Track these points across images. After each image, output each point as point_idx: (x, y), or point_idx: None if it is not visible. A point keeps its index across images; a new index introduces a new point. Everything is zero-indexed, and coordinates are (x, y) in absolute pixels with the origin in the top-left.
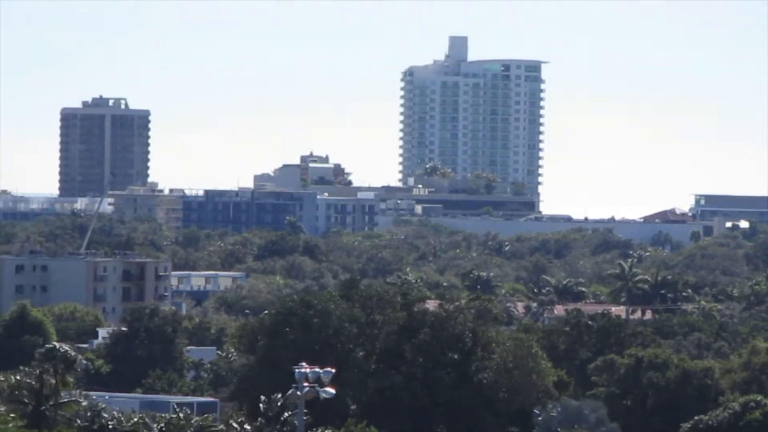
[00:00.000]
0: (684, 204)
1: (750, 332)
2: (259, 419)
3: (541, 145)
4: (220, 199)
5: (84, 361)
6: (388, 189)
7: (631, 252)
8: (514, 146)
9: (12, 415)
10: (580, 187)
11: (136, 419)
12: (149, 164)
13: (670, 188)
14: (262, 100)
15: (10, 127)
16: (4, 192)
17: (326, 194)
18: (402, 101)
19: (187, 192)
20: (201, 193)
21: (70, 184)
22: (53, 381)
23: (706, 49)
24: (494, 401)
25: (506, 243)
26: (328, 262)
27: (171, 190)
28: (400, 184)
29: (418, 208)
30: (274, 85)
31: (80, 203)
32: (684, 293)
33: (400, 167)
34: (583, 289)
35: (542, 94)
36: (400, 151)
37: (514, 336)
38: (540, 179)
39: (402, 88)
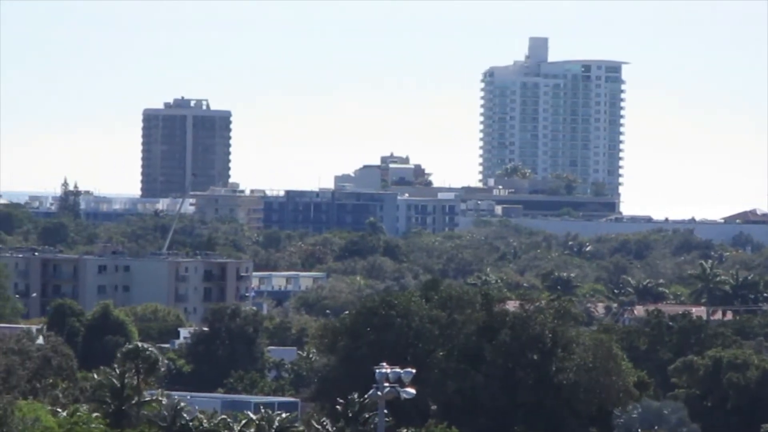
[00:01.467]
0: (765, 204)
1: None
2: (340, 419)
3: (621, 146)
4: (301, 200)
5: (166, 361)
6: (468, 189)
7: (711, 253)
8: (594, 147)
9: (95, 414)
10: (660, 188)
11: (217, 419)
12: (230, 165)
13: (751, 189)
14: (342, 101)
15: (93, 127)
16: (87, 193)
17: (407, 195)
18: (482, 102)
19: (268, 192)
20: (282, 193)
21: (152, 185)
22: (135, 381)
23: None
24: (574, 402)
25: (587, 244)
26: (409, 262)
27: (252, 191)
28: (480, 185)
29: (499, 209)
30: (354, 86)
31: (162, 204)
32: (765, 294)
33: (481, 168)
34: (664, 289)
35: (622, 95)
36: (481, 151)
37: (594, 336)
38: (620, 180)
39: (482, 89)
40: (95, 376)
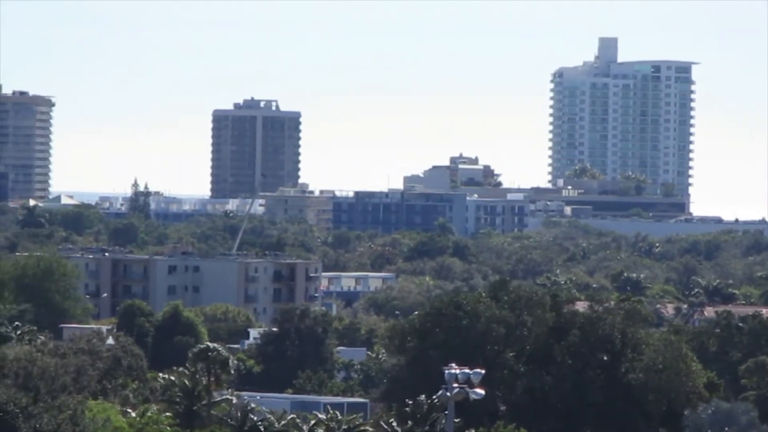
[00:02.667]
0: None
1: None
2: (409, 420)
3: (690, 146)
4: (370, 200)
5: (235, 362)
6: (537, 190)
7: None
8: (664, 147)
9: (166, 414)
10: (730, 189)
11: (286, 420)
12: (300, 165)
13: None
14: (411, 101)
15: (163, 128)
16: (157, 193)
17: (476, 195)
18: (551, 102)
19: (338, 193)
20: (351, 194)
21: (221, 186)
22: (205, 381)
23: None
24: (644, 403)
25: (656, 245)
26: (478, 263)
27: (321, 192)
28: (549, 186)
29: (568, 210)
30: (424, 87)
31: (231, 204)
32: None
33: (550, 168)
34: (734, 290)
35: (692, 95)
36: (550, 152)
37: (664, 338)
38: (690, 180)
39: (552, 90)
40: (165, 376)
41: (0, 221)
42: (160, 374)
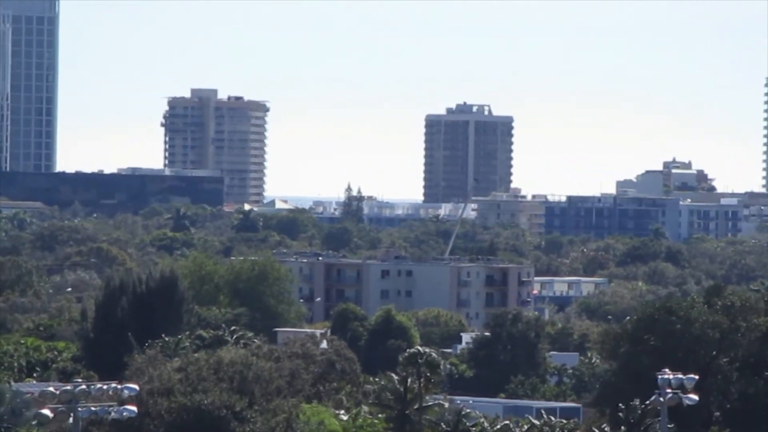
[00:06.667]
0: None
1: None
2: (621, 425)
3: None
4: (582, 205)
5: (448, 366)
6: (751, 195)
7: None
8: None
9: (378, 417)
10: None
11: (499, 425)
12: (512, 170)
13: None
14: (624, 106)
15: (376, 134)
16: (370, 198)
17: (689, 200)
18: (766, 106)
19: (550, 198)
20: (563, 198)
21: (434, 190)
22: (417, 385)
23: None
24: None
25: None
26: (691, 268)
27: (533, 196)
28: (763, 190)
29: None
30: (636, 92)
31: (444, 209)
32: None
33: (764, 173)
34: None
35: None
36: (764, 156)
37: None
38: None
39: (766, 93)
40: (378, 380)
41: (215, 225)
42: (373, 378)
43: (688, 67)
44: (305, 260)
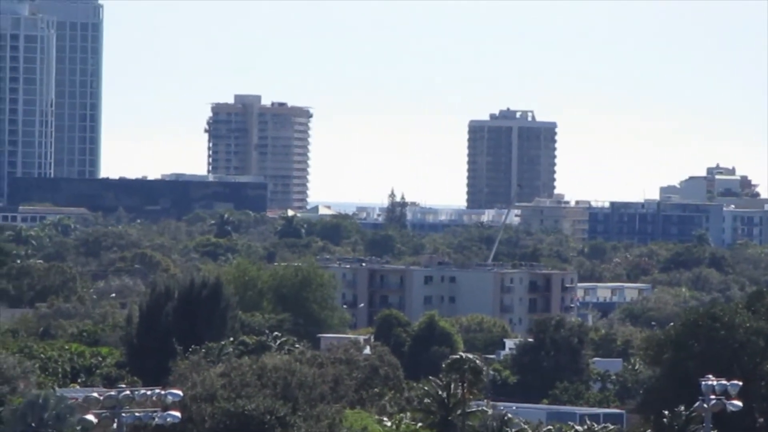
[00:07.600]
0: None
1: None
2: None
3: None
4: (625, 211)
5: (491, 372)
6: None
7: None
8: None
9: (420, 423)
10: None
11: (543, 431)
12: (555, 176)
13: None
14: (667, 112)
15: (420, 139)
16: (413, 204)
17: (732, 206)
18: None
19: (593, 204)
20: (607, 204)
21: (477, 196)
22: (460, 391)
23: None
24: None
25: None
26: (735, 274)
27: (577, 202)
28: None
29: None
30: (677, 99)
31: (487, 215)
32: None
33: None
34: None
35: None
36: None
37: None
38: None
39: None
40: (421, 386)
41: (259, 231)
42: (416, 384)
43: (732, 73)
44: (348, 266)
